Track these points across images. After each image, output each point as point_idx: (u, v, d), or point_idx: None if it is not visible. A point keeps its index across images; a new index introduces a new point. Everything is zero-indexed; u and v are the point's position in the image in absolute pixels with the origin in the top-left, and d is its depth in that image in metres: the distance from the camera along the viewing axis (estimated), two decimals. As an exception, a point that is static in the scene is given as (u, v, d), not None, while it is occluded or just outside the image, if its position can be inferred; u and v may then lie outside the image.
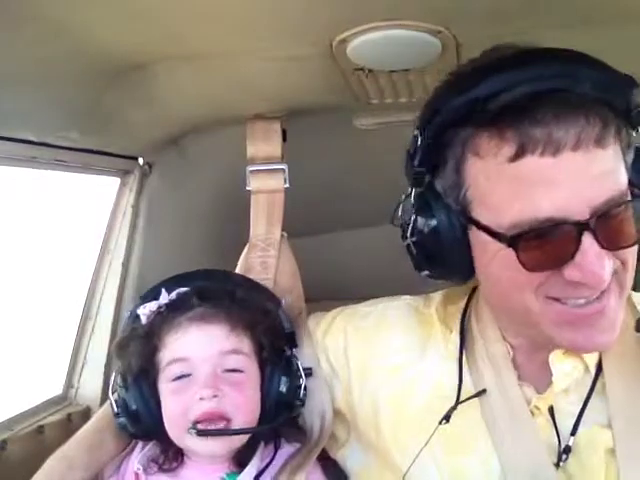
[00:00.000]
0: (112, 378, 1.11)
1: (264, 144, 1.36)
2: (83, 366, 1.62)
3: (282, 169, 1.35)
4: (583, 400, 0.95)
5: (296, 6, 0.91)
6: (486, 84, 0.83)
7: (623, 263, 0.86)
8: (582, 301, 0.86)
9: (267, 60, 1.13)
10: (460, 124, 0.86)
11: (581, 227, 0.81)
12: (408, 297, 1.19)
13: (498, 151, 0.83)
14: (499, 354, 1.01)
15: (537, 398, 0.97)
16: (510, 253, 0.84)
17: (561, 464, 0.92)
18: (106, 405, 1.18)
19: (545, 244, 0.83)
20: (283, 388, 1.08)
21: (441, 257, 0.94)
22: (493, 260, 0.88)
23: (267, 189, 1.35)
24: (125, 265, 1.63)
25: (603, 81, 0.83)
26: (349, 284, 1.89)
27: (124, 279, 1.64)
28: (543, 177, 0.81)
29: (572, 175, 0.81)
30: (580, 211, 0.81)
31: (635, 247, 0.87)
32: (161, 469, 1.04)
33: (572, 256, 0.82)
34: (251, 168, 1.35)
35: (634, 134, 0.89)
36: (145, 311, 1.09)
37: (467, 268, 0.94)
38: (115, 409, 1.06)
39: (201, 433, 0.99)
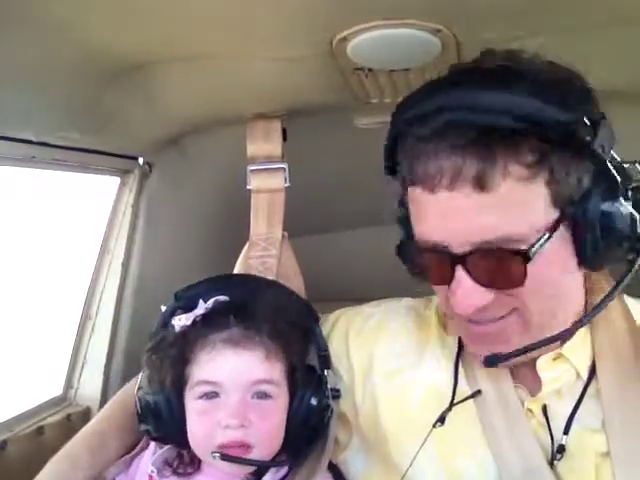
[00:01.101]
0: (139, 380, 1.08)
1: (264, 143, 1.36)
2: (83, 366, 1.61)
3: (282, 168, 1.35)
4: (576, 401, 0.95)
5: (296, 6, 0.91)
6: (409, 111, 0.86)
7: (519, 300, 0.88)
8: (475, 320, 0.91)
9: (267, 60, 1.12)
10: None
11: (456, 259, 0.84)
12: (410, 299, 1.19)
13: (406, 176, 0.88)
14: None
15: (530, 401, 0.98)
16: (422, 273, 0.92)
17: (555, 463, 0.92)
18: (107, 405, 1.18)
19: (433, 264, 0.89)
20: (310, 412, 1.05)
21: (412, 263, 0.96)
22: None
23: (267, 188, 1.35)
24: (125, 265, 1.63)
25: (520, 110, 0.78)
26: (350, 284, 1.89)
27: (124, 279, 1.63)
28: (424, 210, 0.86)
29: (448, 214, 0.83)
30: (458, 245, 0.84)
31: (537, 290, 0.86)
32: (175, 473, 1.03)
33: (449, 283, 0.87)
34: (251, 167, 1.35)
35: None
36: (180, 322, 1.05)
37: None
38: (139, 412, 1.04)
39: (225, 459, 0.97)
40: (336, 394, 1.10)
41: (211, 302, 1.07)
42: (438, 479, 0.99)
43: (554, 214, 0.84)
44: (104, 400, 1.56)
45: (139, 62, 1.13)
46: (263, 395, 1.01)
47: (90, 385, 1.60)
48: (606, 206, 0.82)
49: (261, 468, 1.02)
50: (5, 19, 0.86)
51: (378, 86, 1.24)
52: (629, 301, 1.03)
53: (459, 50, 1.06)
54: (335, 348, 1.16)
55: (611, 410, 0.93)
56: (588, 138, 0.80)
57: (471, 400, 1.00)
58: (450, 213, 0.83)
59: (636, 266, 0.84)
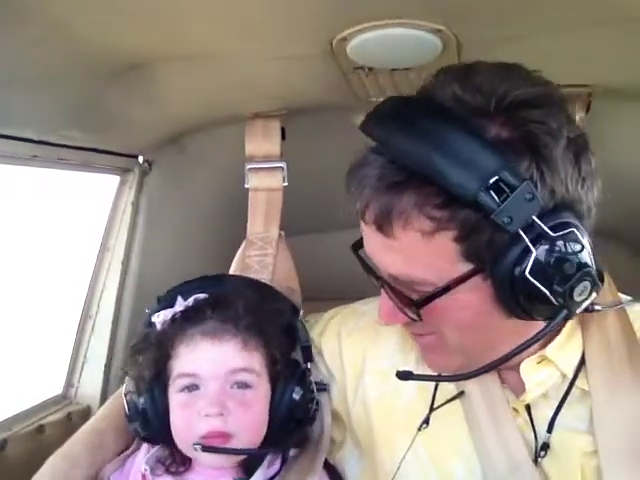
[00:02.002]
0: (125, 381, 1.10)
1: (263, 142, 1.36)
2: (83, 365, 1.61)
3: (281, 167, 1.35)
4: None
5: (296, 5, 0.91)
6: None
7: (436, 325, 0.92)
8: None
9: (267, 59, 1.12)
10: None
11: (380, 281, 0.92)
12: None
13: None
14: None
15: (514, 402, 0.98)
16: None
17: (539, 460, 0.93)
18: (106, 404, 1.18)
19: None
20: (293, 404, 1.05)
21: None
22: None
23: (265, 187, 1.35)
24: (125, 263, 1.63)
25: (427, 167, 0.77)
26: (347, 283, 1.88)
27: (124, 277, 1.63)
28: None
29: (367, 242, 0.91)
30: (381, 269, 0.90)
31: (451, 327, 0.90)
32: (168, 471, 1.04)
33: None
34: (250, 166, 1.35)
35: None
36: (159, 319, 1.07)
37: None
38: (127, 413, 1.06)
39: (205, 449, 0.98)
40: (321, 387, 1.12)
41: (191, 300, 1.09)
42: (428, 478, 0.99)
43: (465, 267, 0.82)
44: (104, 399, 1.56)
45: (139, 62, 1.13)
46: (242, 385, 1.02)
47: (90, 384, 1.60)
48: (518, 268, 0.79)
49: (251, 465, 1.03)
50: (5, 19, 0.86)
51: (378, 85, 1.23)
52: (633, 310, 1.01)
53: (459, 50, 1.06)
54: (329, 347, 1.17)
55: (600, 410, 0.93)
56: (491, 208, 0.75)
57: (457, 400, 1.01)
58: (368, 244, 0.91)
59: (554, 322, 0.81)
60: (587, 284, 0.81)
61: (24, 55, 0.97)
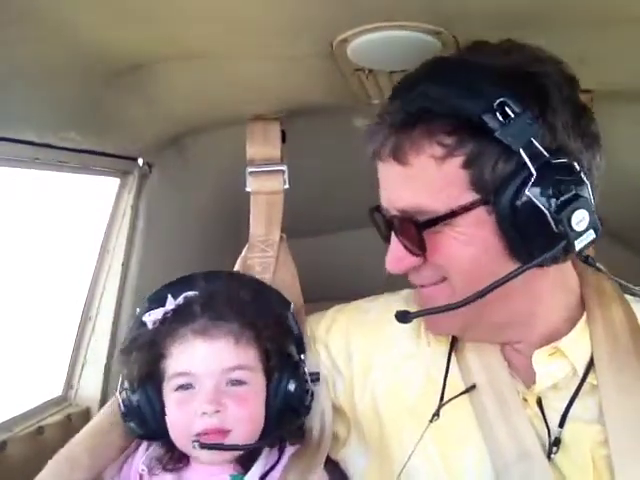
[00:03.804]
0: (119, 380, 1.11)
1: (263, 146, 1.36)
2: (83, 367, 1.61)
3: (281, 170, 1.35)
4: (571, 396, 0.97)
5: (296, 6, 0.91)
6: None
7: (443, 270, 0.94)
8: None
9: (267, 60, 1.13)
10: None
11: (387, 222, 0.98)
12: (408, 290, 1.20)
13: None
14: (488, 346, 1.03)
15: (524, 392, 0.99)
16: None
17: (552, 456, 0.94)
18: (106, 407, 1.18)
19: (382, 226, 1.01)
20: (289, 396, 1.07)
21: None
22: None
23: (266, 190, 1.35)
24: (125, 266, 1.63)
25: (437, 96, 0.87)
26: (348, 285, 1.88)
27: (124, 280, 1.63)
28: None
29: (382, 182, 0.97)
30: (390, 210, 0.96)
31: (458, 262, 0.92)
32: (165, 469, 1.05)
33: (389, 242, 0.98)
34: (250, 169, 1.35)
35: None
36: (151, 318, 1.08)
37: None
38: (123, 411, 1.07)
39: (204, 447, 0.99)
40: (315, 377, 1.12)
41: (181, 298, 1.09)
42: (436, 471, 1.00)
43: (472, 197, 0.88)
44: (104, 400, 1.55)
45: (139, 62, 1.13)
46: (237, 382, 1.03)
47: (90, 385, 1.60)
48: (520, 193, 0.85)
49: (248, 459, 1.04)
50: (5, 19, 0.86)
51: (378, 87, 1.24)
52: (632, 301, 1.04)
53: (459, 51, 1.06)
54: (335, 343, 1.18)
55: (609, 403, 0.94)
56: (495, 127, 0.83)
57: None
58: (383, 181, 0.97)
59: (554, 251, 0.85)
60: (585, 215, 0.85)
61: (24, 57, 0.97)
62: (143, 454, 1.07)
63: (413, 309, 1.15)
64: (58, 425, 1.47)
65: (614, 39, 1.01)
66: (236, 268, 1.32)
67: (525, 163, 0.84)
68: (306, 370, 1.11)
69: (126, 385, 1.08)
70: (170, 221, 1.76)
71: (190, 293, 1.10)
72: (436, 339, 1.09)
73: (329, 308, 1.26)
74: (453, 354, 1.06)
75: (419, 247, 0.93)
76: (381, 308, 1.18)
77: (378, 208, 1.00)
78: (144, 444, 1.09)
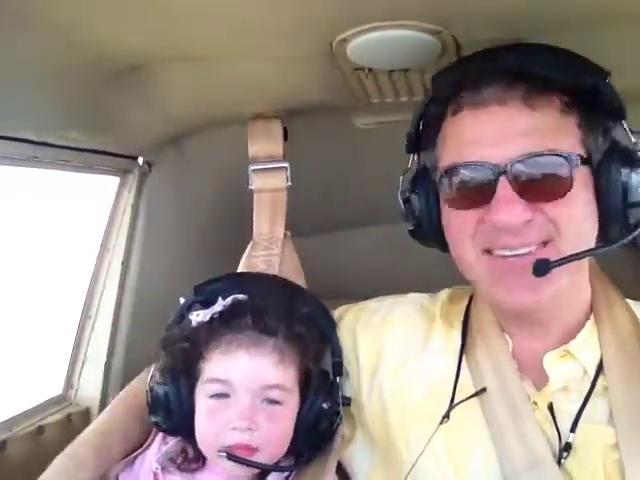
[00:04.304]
0: (151, 372, 1.09)
1: (265, 143, 1.36)
2: (83, 366, 1.61)
3: (284, 167, 1.35)
4: (583, 399, 0.96)
5: (296, 6, 0.91)
6: (459, 69, 0.98)
7: (555, 226, 0.91)
8: (507, 252, 0.93)
9: (267, 60, 1.12)
10: (442, 101, 0.99)
11: (500, 171, 0.90)
12: (415, 294, 1.20)
13: (450, 109, 0.97)
14: (499, 348, 1.03)
15: (535, 394, 0.99)
16: (452, 201, 0.96)
17: (562, 461, 0.93)
18: (110, 406, 1.18)
19: (469, 182, 0.93)
20: (320, 419, 1.05)
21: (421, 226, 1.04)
22: (444, 209, 0.99)
23: (270, 188, 1.35)
24: (125, 264, 1.63)
25: (561, 66, 0.92)
26: (351, 283, 1.89)
27: (124, 278, 1.63)
28: (470, 130, 0.94)
29: (499, 126, 0.91)
30: (502, 157, 0.90)
31: (572, 216, 0.92)
32: (180, 469, 1.04)
33: (490, 198, 0.91)
34: (253, 167, 1.35)
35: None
36: (198, 319, 1.06)
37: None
38: (150, 403, 1.05)
39: (231, 459, 0.97)
40: (346, 401, 1.11)
41: (229, 300, 1.07)
42: (443, 473, 1.00)
43: (584, 153, 0.93)
44: (104, 400, 1.56)
45: (139, 62, 1.13)
46: (273, 401, 1.01)
47: (90, 385, 1.60)
48: (622, 170, 0.91)
49: (265, 470, 1.03)
50: (5, 19, 0.86)
51: (378, 86, 1.24)
52: (633, 305, 1.05)
53: (459, 51, 1.06)
54: (343, 342, 1.17)
55: (619, 405, 0.94)
56: (610, 99, 0.92)
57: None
58: (501, 124, 0.91)
59: (604, 248, 0.90)
60: None
61: (24, 57, 0.97)
62: (157, 451, 1.06)
63: (421, 310, 1.16)
64: (58, 425, 1.47)
65: (614, 39, 1.01)
66: (241, 266, 1.32)
67: (625, 142, 0.93)
68: (340, 393, 1.10)
69: (157, 377, 1.06)
70: (170, 220, 1.76)
71: (240, 296, 1.08)
72: (446, 339, 1.09)
73: (334, 306, 1.26)
74: (464, 355, 1.06)
75: (558, 187, 0.91)
76: (387, 310, 1.18)
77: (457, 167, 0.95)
78: (157, 441, 1.08)
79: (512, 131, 0.91)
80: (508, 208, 0.90)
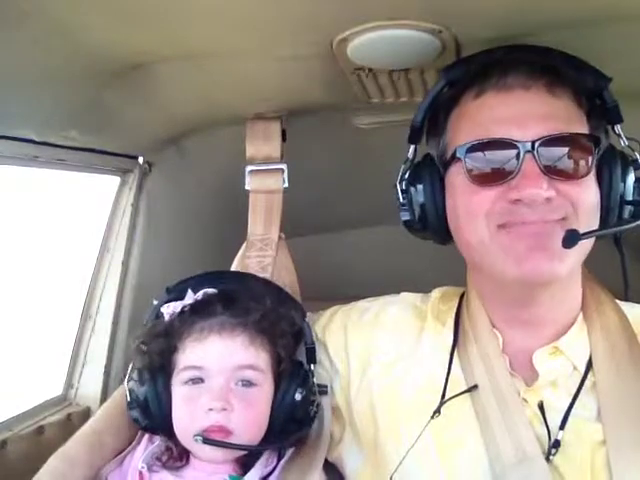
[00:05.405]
0: (129, 370, 1.11)
1: (263, 144, 1.36)
2: (83, 366, 1.61)
3: (281, 169, 1.35)
4: (572, 395, 0.98)
5: (296, 6, 0.91)
6: (483, 57, 1.00)
7: (573, 206, 0.94)
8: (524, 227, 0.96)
9: (267, 60, 1.13)
10: (454, 86, 1.02)
11: (525, 148, 0.93)
12: (407, 294, 1.21)
13: (469, 94, 1.00)
14: (490, 345, 1.04)
15: (525, 390, 1.00)
16: (466, 178, 0.97)
17: (551, 457, 0.94)
18: (105, 405, 1.18)
19: (494, 158, 0.95)
20: (295, 404, 1.07)
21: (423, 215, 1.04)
22: (455, 191, 1.00)
23: (266, 189, 1.35)
24: (125, 264, 1.63)
25: (575, 66, 0.97)
26: (347, 284, 1.89)
27: (124, 278, 1.63)
28: (492, 110, 0.97)
29: (523, 108, 0.95)
30: (528, 136, 0.93)
31: (588, 198, 0.95)
32: (165, 467, 1.05)
33: (515, 174, 0.94)
34: (250, 168, 1.35)
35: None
36: (169, 310, 1.09)
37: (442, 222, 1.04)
38: (129, 401, 1.07)
39: (206, 442, 0.99)
40: (322, 389, 1.13)
41: (200, 293, 1.10)
42: (432, 468, 1.00)
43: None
44: (104, 400, 1.55)
45: (139, 62, 1.13)
46: (247, 383, 1.03)
47: (90, 385, 1.60)
48: (620, 168, 0.97)
49: (248, 462, 1.04)
50: (5, 19, 0.86)
51: (378, 86, 1.24)
52: (622, 305, 1.06)
53: (459, 50, 1.06)
54: (333, 341, 1.18)
55: (607, 402, 0.96)
56: (610, 103, 0.98)
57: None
58: (527, 106, 0.96)
59: (630, 226, 0.94)
60: None
61: (25, 56, 0.97)
62: (143, 451, 1.07)
63: (413, 309, 1.16)
64: (58, 424, 1.47)
65: (614, 39, 1.02)
66: (234, 266, 1.32)
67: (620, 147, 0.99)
68: (314, 381, 1.11)
69: (135, 375, 1.08)
70: (170, 219, 1.76)
71: (210, 290, 1.10)
72: (437, 337, 1.10)
73: (327, 307, 1.27)
74: (455, 353, 1.07)
75: (582, 164, 0.95)
76: (378, 309, 1.19)
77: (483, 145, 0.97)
78: (145, 440, 1.09)
79: (537, 113, 0.95)
80: (535, 183, 0.92)
